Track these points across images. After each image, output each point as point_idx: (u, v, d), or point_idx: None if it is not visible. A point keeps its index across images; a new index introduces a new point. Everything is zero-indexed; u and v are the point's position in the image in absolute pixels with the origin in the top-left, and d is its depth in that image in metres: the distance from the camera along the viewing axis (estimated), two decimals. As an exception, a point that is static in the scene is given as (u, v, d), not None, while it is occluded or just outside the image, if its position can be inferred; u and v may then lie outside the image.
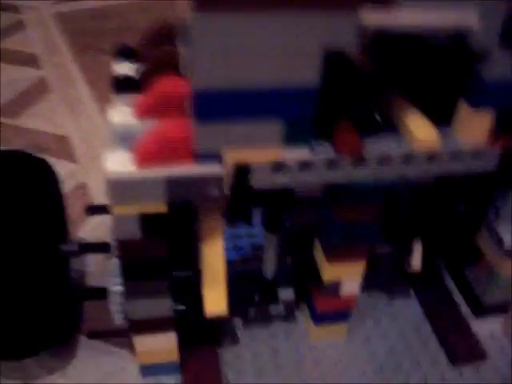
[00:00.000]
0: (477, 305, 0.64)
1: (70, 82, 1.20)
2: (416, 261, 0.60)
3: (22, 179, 0.57)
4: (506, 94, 0.43)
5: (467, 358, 0.61)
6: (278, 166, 0.41)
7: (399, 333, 0.64)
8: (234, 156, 0.40)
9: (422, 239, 0.61)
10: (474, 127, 0.45)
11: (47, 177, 0.62)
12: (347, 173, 0.43)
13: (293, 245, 0.62)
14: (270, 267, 0.57)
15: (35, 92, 1.16)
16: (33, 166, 0.60)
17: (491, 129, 0.45)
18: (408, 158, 0.44)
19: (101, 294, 0.57)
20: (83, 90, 1.16)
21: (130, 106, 0.45)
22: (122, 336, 0.61)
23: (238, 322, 0.64)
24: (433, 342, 0.63)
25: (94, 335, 0.65)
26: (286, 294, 0.60)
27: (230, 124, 0.38)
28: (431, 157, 0.44)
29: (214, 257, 0.47)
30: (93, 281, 0.72)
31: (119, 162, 0.39)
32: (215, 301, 0.48)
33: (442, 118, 0.46)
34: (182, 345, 0.58)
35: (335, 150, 0.42)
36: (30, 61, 1.29)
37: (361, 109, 0.46)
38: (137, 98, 0.45)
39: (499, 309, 0.64)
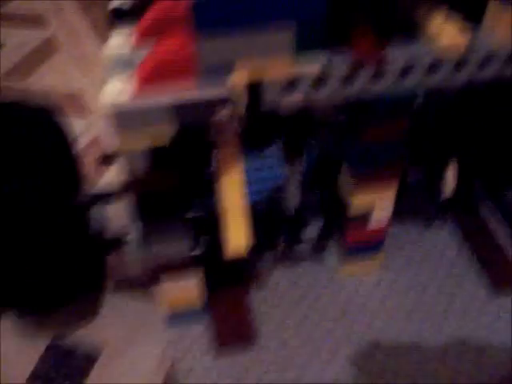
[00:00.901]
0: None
1: (80, 39, 1.17)
2: (448, 186, 0.56)
3: (22, 128, 0.54)
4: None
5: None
6: (292, 81, 0.37)
7: (434, 267, 0.60)
8: (242, 72, 0.36)
9: (458, 160, 0.57)
10: (505, 25, 0.40)
11: (50, 125, 0.59)
12: (368, 85, 0.39)
13: (319, 176, 0.59)
14: (293, 202, 0.54)
15: (43, 52, 1.13)
16: (31, 116, 0.57)
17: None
18: (434, 66, 0.40)
19: (119, 243, 0.55)
20: (94, 46, 1.13)
21: (128, 35, 0.42)
22: (146, 286, 0.59)
23: (264, 262, 0.61)
24: (471, 274, 0.60)
25: (118, 287, 0.63)
26: (311, 231, 0.56)
27: (236, 33, 0.34)
28: (460, 62, 0.40)
29: (233, 191, 0.44)
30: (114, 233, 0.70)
31: (119, 92, 0.36)
32: (236, 239, 0.45)
33: (470, 16, 0.41)
34: (209, 290, 0.56)
35: (353, 58, 0.38)
36: (36, 21, 1.25)
37: (380, 9, 0.41)
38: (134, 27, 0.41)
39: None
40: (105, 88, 0.36)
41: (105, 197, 0.58)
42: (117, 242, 0.56)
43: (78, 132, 0.85)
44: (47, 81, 1.03)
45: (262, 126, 0.46)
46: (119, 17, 0.45)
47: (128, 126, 0.37)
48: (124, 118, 0.36)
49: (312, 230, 0.56)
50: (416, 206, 0.65)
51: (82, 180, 0.67)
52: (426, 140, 0.56)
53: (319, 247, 0.60)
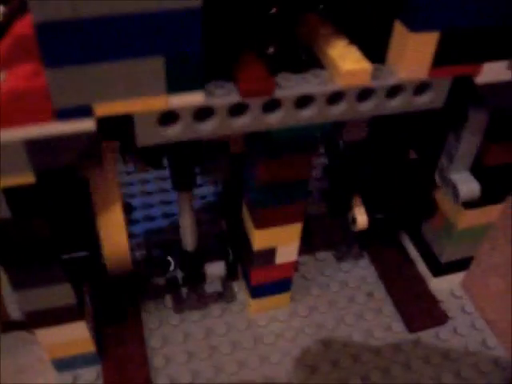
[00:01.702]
0: (435, 263, 0.57)
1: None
2: (360, 216, 0.53)
3: None
4: (452, 10, 0.34)
5: (426, 323, 0.55)
6: (167, 117, 0.33)
7: (350, 299, 0.57)
8: (106, 107, 0.31)
9: (363, 194, 0.53)
10: (414, 55, 0.36)
11: None
12: (258, 119, 0.35)
13: (224, 206, 0.54)
14: (190, 236, 0.49)
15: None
16: None
17: (436, 56, 0.36)
18: (334, 96, 0.35)
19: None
20: None
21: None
22: (24, 329, 0.53)
23: (167, 301, 0.56)
24: (387, 308, 0.56)
25: (9, 327, 0.56)
26: (216, 268, 0.51)
27: (95, 67, 0.29)
28: (363, 92, 0.36)
29: (114, 227, 0.39)
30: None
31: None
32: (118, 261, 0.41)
33: (374, 45, 0.37)
34: (101, 329, 0.50)
35: (239, 90, 0.33)
36: None
37: (272, 41, 0.37)
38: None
39: (459, 265, 0.57)
40: None
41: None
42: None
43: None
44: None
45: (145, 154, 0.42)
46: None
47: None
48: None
49: (217, 267, 0.51)
50: (329, 238, 0.61)
51: None
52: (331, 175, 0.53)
53: (226, 285, 0.56)
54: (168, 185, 0.66)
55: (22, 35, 0.33)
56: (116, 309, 0.53)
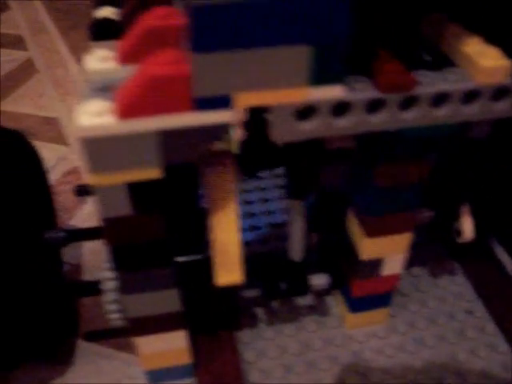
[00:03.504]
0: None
1: (58, 62, 1.10)
2: (468, 227, 0.50)
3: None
4: None
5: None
6: (305, 110, 0.31)
7: (450, 317, 0.54)
8: (246, 98, 0.30)
9: (472, 203, 0.51)
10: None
11: (22, 153, 0.52)
12: (393, 116, 0.33)
13: (319, 218, 0.52)
14: (297, 245, 0.47)
15: (21, 74, 1.07)
16: (3, 141, 0.50)
17: None
18: (470, 94, 0.34)
19: (95, 288, 0.48)
20: (72, 69, 1.07)
21: (111, 51, 0.35)
22: (123, 337, 0.52)
23: (260, 314, 0.54)
24: (491, 326, 0.53)
25: (91, 337, 0.55)
26: (319, 279, 0.49)
27: (241, 54, 0.28)
28: (498, 91, 0.34)
29: (226, 226, 0.38)
30: (90, 274, 0.63)
31: (96, 116, 0.30)
32: (228, 267, 0.39)
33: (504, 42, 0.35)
34: (197, 342, 0.49)
35: (379, 86, 0.32)
36: (16, 42, 1.19)
37: (406, 43, 0.36)
38: (119, 42, 0.35)
39: None
40: (80, 111, 0.30)
41: (81, 234, 0.51)
42: (92, 286, 0.49)
43: (54, 160, 0.78)
44: (22, 104, 0.96)
45: (262, 155, 0.40)
46: (105, 29, 0.39)
47: (105, 155, 0.30)
48: (101, 146, 0.30)
49: (321, 278, 0.49)
50: (426, 249, 0.59)
51: (56, 213, 0.60)
52: (442, 181, 0.50)
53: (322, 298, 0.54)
54: (269, 194, 0.65)
55: (150, 28, 0.33)
56: (212, 319, 0.51)
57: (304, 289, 0.48)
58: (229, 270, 0.39)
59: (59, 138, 0.86)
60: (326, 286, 0.49)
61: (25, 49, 1.17)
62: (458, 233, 0.51)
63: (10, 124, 0.90)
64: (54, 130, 0.88)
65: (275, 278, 0.48)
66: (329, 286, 0.49)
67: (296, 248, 0.47)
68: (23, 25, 1.27)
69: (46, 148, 0.79)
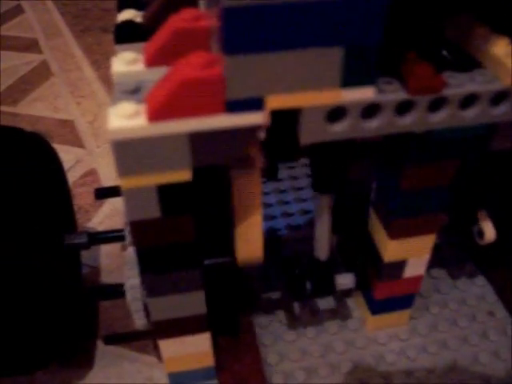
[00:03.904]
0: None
1: (73, 65, 1.11)
2: (489, 228, 0.50)
3: (13, 158, 0.47)
4: None
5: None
6: (335, 112, 0.31)
7: (471, 318, 0.54)
8: (278, 100, 0.30)
9: (493, 206, 0.51)
10: None
11: (43, 155, 0.52)
12: (422, 118, 0.33)
13: (340, 219, 0.52)
14: (323, 243, 0.47)
15: (36, 77, 1.07)
16: (24, 143, 0.51)
17: None
18: (498, 96, 0.34)
19: (117, 291, 0.48)
20: (87, 72, 1.07)
21: (138, 52, 0.35)
22: (145, 339, 0.52)
23: (282, 317, 0.54)
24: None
25: (111, 340, 0.56)
26: (345, 279, 0.49)
27: (274, 56, 0.28)
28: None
29: (250, 217, 0.38)
30: (108, 277, 0.63)
31: (126, 118, 0.30)
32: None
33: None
34: (219, 345, 0.49)
35: (409, 88, 0.32)
36: (31, 45, 1.20)
37: (432, 44, 0.35)
38: (145, 44, 0.36)
39: None
40: (111, 113, 0.30)
41: (103, 236, 0.52)
42: (113, 290, 0.49)
43: (72, 162, 0.79)
44: (38, 107, 0.97)
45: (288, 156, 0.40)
46: (129, 32, 0.39)
47: (136, 157, 0.30)
48: (133, 149, 0.30)
49: (347, 278, 0.49)
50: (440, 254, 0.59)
51: (75, 215, 0.60)
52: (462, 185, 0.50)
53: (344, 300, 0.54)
54: (288, 197, 0.65)
55: (179, 30, 0.33)
56: (233, 321, 0.51)
57: (329, 288, 0.48)
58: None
59: (75, 140, 0.87)
60: (352, 285, 0.48)
61: (39, 52, 1.17)
62: (481, 234, 0.51)
63: (26, 127, 0.90)
64: (71, 133, 0.89)
65: (301, 278, 0.48)
66: (354, 286, 0.49)
67: (322, 247, 0.47)
68: (37, 28, 1.28)
69: (62, 150, 0.79)
